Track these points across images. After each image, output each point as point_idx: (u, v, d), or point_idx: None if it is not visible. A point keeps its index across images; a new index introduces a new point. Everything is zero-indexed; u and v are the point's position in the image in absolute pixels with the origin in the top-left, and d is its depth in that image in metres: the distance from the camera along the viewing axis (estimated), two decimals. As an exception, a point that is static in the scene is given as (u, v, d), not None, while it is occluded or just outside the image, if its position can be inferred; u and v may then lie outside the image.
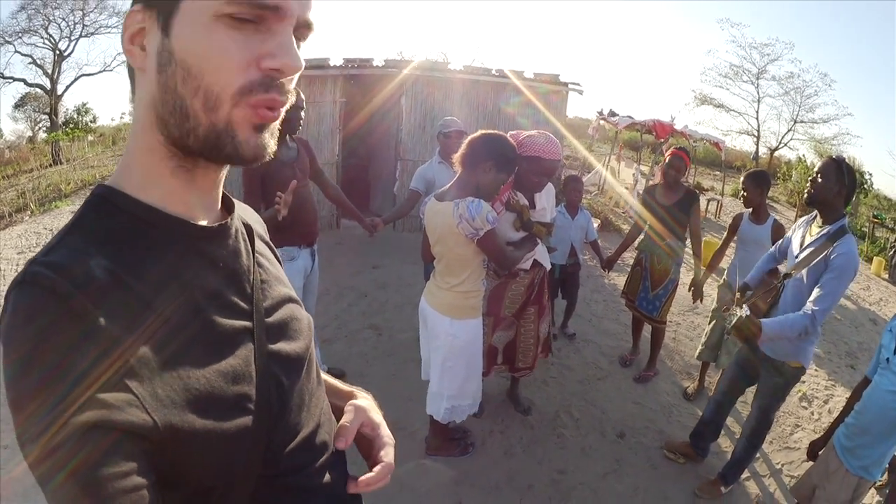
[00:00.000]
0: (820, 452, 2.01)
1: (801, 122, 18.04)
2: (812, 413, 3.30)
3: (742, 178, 3.05)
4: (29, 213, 7.40)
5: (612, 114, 9.48)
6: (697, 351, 3.23)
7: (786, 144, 18.65)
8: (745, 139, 19.82)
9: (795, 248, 2.11)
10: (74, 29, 15.97)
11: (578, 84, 6.88)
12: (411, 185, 3.17)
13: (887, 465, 1.98)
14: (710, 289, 3.43)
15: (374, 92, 6.20)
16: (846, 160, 1.99)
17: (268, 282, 0.64)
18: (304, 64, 0.51)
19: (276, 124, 0.54)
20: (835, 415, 2.69)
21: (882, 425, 1.71)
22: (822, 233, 1.98)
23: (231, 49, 0.47)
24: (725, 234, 3.20)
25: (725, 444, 2.75)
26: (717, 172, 13.76)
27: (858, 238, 9.19)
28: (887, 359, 1.72)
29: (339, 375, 3.04)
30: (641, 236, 3.32)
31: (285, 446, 0.60)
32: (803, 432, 3.04)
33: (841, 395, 3.51)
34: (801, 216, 3.58)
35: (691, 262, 3.23)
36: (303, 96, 2.40)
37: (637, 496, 2.37)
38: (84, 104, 21.41)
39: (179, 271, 0.52)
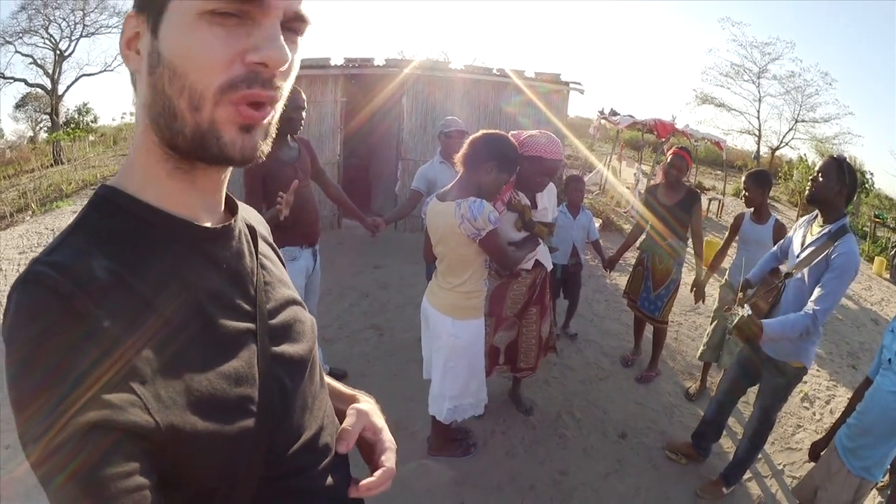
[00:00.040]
0: (822, 453, 2.01)
1: (803, 121, 18.07)
2: (814, 414, 3.29)
3: (743, 178, 3.05)
4: (30, 213, 7.40)
5: (614, 113, 9.47)
6: (699, 351, 3.22)
7: (787, 144, 18.69)
8: (747, 138, 19.87)
9: (796, 247, 2.10)
10: (75, 29, 16.05)
11: (579, 83, 6.88)
12: (413, 184, 3.16)
13: (889, 466, 1.97)
14: (712, 289, 3.42)
15: (375, 91, 6.19)
16: (847, 159, 1.98)
17: (271, 284, 0.64)
18: (290, 56, 0.49)
19: (271, 125, 0.53)
20: (836, 415, 2.69)
21: (884, 426, 1.71)
22: (823, 232, 1.98)
23: (214, 46, 0.47)
24: (727, 233, 3.20)
25: (727, 445, 2.75)
26: (719, 172, 13.77)
27: (860, 238, 9.17)
28: (889, 359, 1.72)
29: (341, 376, 3.05)
30: (643, 236, 3.31)
31: (288, 448, 0.60)
32: (805, 433, 3.03)
33: (843, 396, 3.50)
34: (802, 216, 3.56)
35: (693, 262, 3.22)
36: (304, 96, 2.40)
37: (639, 497, 2.37)
38: (85, 104, 21.49)
39: (182, 272, 0.52)
